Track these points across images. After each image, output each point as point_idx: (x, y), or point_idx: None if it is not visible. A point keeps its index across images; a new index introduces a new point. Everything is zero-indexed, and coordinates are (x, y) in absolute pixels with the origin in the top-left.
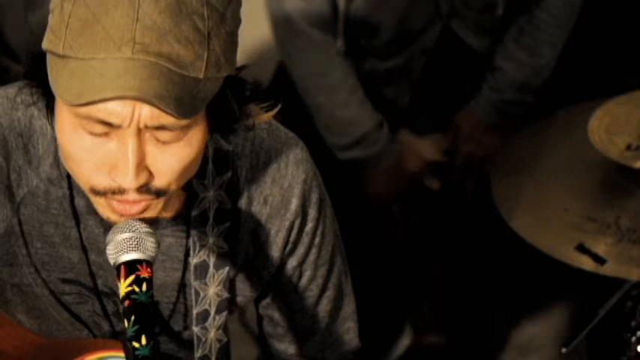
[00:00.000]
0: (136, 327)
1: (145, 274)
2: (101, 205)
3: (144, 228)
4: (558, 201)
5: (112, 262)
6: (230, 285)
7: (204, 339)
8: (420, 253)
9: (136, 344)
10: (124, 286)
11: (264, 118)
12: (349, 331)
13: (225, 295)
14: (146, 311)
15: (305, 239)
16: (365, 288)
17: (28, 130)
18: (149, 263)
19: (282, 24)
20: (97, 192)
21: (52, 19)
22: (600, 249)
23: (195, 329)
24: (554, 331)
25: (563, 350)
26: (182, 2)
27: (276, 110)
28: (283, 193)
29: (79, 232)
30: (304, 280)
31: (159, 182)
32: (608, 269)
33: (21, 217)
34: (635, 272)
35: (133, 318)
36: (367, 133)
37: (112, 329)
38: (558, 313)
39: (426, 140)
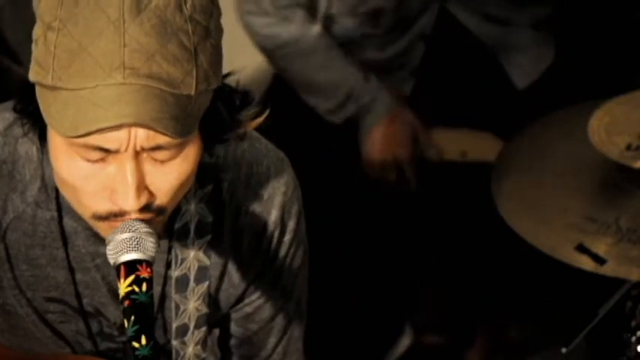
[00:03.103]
0: (135, 327)
1: (144, 274)
2: (103, 229)
3: (144, 228)
4: (558, 201)
5: (111, 262)
6: (210, 300)
7: (182, 353)
8: (420, 253)
9: (135, 344)
10: (123, 286)
11: (254, 124)
12: (300, 351)
13: (205, 310)
14: (146, 311)
15: (282, 251)
16: (365, 288)
17: (13, 157)
18: (149, 263)
19: (250, 6)
20: (99, 217)
21: (37, 51)
22: (600, 249)
23: (174, 342)
24: (554, 331)
25: (563, 350)
26: (166, 21)
27: (265, 116)
28: (263, 205)
29: (66, 253)
30: (272, 293)
31: (159, 201)
32: (608, 269)
33: (7, 243)
34: (635, 272)
35: (132, 318)
36: (353, 89)
37: (94, 349)
38: (558, 313)
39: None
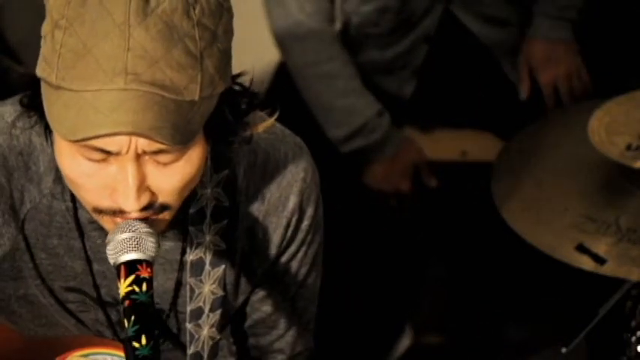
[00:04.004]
0: (136, 327)
1: (144, 274)
2: (106, 222)
3: (144, 228)
4: (558, 201)
5: (111, 262)
6: (225, 283)
7: (197, 336)
8: (420, 253)
9: (136, 344)
10: (123, 286)
11: (262, 127)
12: (310, 331)
13: (220, 293)
14: (146, 311)
15: (299, 236)
16: (365, 288)
17: (28, 148)
18: (149, 263)
19: (279, 15)
20: (100, 211)
21: (44, 47)
22: (600, 249)
23: (189, 326)
24: (554, 331)
25: (563, 350)
26: (173, 27)
27: (273, 118)
28: (281, 191)
29: (83, 243)
30: (287, 277)
31: (162, 199)
32: (608, 269)
33: (26, 233)
34: (635, 272)
35: (133, 318)
36: (366, 122)
37: (115, 337)
38: (558, 313)
39: (431, 137)
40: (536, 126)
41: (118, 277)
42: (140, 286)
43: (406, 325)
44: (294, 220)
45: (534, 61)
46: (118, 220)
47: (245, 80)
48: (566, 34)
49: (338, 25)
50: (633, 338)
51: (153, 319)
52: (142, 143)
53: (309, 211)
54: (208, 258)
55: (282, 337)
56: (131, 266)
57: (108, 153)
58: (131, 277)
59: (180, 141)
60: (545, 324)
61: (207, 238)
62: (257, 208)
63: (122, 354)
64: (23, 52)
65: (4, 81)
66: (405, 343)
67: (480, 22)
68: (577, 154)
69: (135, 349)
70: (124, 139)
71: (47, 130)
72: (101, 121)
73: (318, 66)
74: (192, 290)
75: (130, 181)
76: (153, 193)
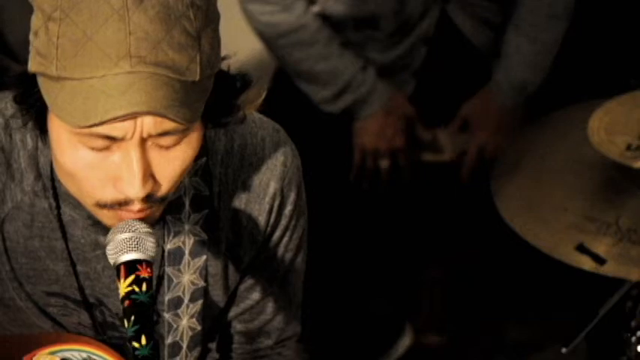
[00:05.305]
0: (135, 327)
1: (144, 274)
2: (106, 217)
3: (144, 228)
4: (558, 201)
5: (111, 262)
6: (209, 274)
7: (175, 326)
8: (420, 252)
9: (135, 344)
10: (123, 286)
11: (253, 107)
12: (298, 317)
13: (201, 283)
14: (146, 311)
15: (283, 222)
16: (365, 287)
17: (9, 145)
18: (149, 263)
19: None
20: (102, 205)
21: (37, 41)
22: (600, 249)
23: (167, 315)
24: (554, 331)
25: (563, 350)
26: (169, 8)
27: (263, 97)
28: (261, 177)
29: (66, 244)
30: (273, 264)
31: (162, 190)
32: (608, 269)
33: (5, 235)
34: (635, 272)
35: (132, 318)
36: (351, 79)
37: (97, 338)
38: (558, 313)
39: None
40: (536, 126)
41: (118, 277)
42: (140, 286)
43: (406, 325)
44: (276, 205)
45: (475, 115)
46: (121, 213)
47: (225, 64)
48: (515, 105)
49: (316, 9)
50: (633, 338)
51: (153, 319)
52: (149, 126)
53: (292, 197)
54: (188, 248)
55: (270, 322)
56: (131, 266)
57: (112, 140)
58: (131, 277)
59: (190, 118)
60: (545, 324)
61: (186, 227)
62: (238, 196)
63: (91, 349)
64: (23, 52)
65: (3, 81)
66: (405, 343)
67: (473, 24)
68: (577, 154)
69: (135, 349)
70: (130, 123)
71: (41, 129)
72: (114, 104)
73: (289, 36)
74: (170, 279)
75: (134, 166)
76: (155, 182)
